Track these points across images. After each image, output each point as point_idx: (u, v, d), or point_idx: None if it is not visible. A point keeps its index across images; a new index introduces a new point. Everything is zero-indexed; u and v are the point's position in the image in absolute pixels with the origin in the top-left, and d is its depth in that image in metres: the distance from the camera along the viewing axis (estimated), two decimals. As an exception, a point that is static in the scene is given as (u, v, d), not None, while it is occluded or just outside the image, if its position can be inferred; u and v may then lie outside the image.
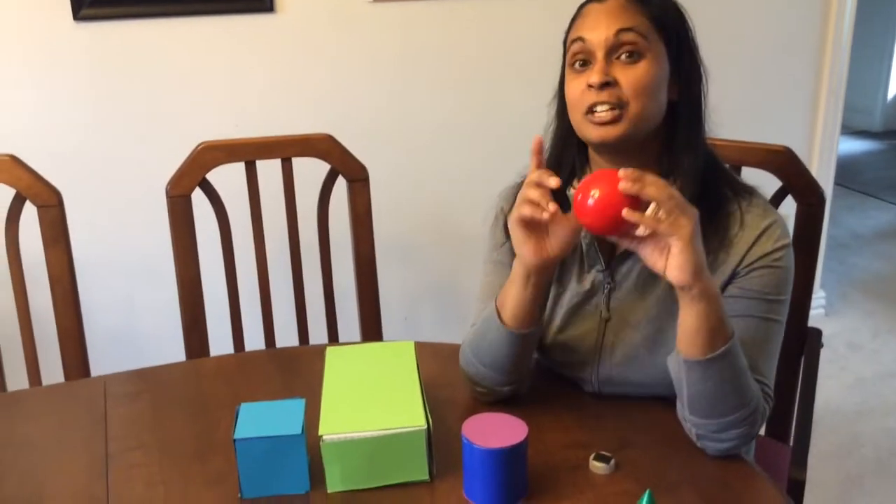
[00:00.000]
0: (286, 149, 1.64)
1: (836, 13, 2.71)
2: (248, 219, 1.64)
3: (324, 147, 1.64)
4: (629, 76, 1.06)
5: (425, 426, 0.99)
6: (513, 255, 1.11)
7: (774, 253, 1.10)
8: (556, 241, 1.03)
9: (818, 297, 3.10)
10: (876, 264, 3.61)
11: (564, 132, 1.18)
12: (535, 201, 0.99)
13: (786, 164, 1.50)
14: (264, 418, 1.01)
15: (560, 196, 1.15)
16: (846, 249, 3.74)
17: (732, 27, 2.60)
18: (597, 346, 1.18)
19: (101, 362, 1.60)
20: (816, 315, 3.09)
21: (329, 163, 1.65)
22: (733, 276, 1.10)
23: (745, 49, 2.64)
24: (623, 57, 1.07)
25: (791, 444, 1.46)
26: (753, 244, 1.10)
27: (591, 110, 1.08)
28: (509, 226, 1.05)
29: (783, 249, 1.10)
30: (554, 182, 0.98)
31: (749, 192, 1.15)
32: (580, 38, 1.09)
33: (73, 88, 2.04)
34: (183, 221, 1.58)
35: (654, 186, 0.93)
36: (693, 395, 1.04)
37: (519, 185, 1.23)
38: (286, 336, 1.72)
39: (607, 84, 1.06)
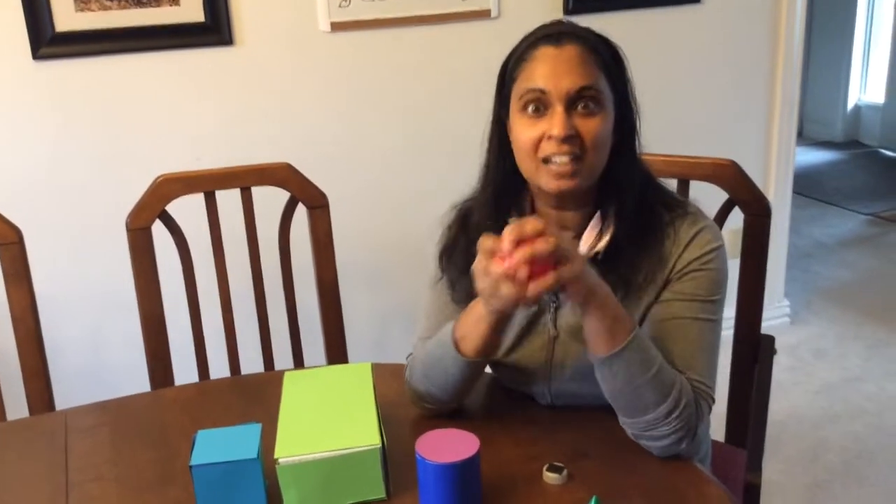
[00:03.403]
0: (245, 178, 1.66)
1: (786, 27, 2.78)
2: (209, 249, 1.66)
3: (282, 175, 1.67)
4: (588, 128, 1.08)
5: (379, 444, 1.02)
6: (450, 284, 1.17)
7: (704, 256, 1.14)
8: None
9: (783, 306, 3.16)
10: (839, 272, 3.68)
11: (505, 168, 1.17)
12: (509, 298, 0.98)
13: (732, 178, 1.54)
14: (221, 444, 1.02)
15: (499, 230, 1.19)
16: (810, 258, 3.81)
17: (686, 44, 2.66)
18: (547, 363, 1.21)
19: (70, 397, 1.60)
20: (781, 324, 3.14)
21: (288, 191, 1.67)
22: (666, 283, 1.14)
23: (699, 65, 2.70)
24: (581, 108, 1.08)
25: (748, 448, 1.49)
26: (683, 252, 1.14)
27: (548, 160, 1.09)
28: (486, 306, 1.05)
29: (713, 252, 1.14)
30: (521, 275, 0.96)
31: (681, 204, 1.19)
32: (538, 90, 1.08)
33: (32, 126, 2.06)
34: (144, 254, 1.60)
35: (542, 242, 0.95)
36: (612, 394, 1.08)
37: (456, 216, 1.26)
38: (251, 365, 1.73)
39: (569, 137, 1.07)
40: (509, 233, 0.97)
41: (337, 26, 2.22)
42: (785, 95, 2.86)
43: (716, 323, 1.16)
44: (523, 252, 0.96)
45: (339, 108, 2.30)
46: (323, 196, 1.68)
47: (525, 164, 1.13)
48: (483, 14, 2.36)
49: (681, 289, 1.14)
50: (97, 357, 2.23)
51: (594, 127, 1.09)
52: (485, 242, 1.00)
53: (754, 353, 1.58)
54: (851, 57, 5.51)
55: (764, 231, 1.56)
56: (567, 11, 2.42)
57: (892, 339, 3.04)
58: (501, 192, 1.19)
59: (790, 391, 2.73)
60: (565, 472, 1.07)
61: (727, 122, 2.82)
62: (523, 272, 0.96)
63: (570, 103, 1.08)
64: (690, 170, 1.59)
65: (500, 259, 0.99)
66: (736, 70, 2.78)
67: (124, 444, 1.21)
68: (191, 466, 0.98)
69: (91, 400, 1.38)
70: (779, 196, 2.98)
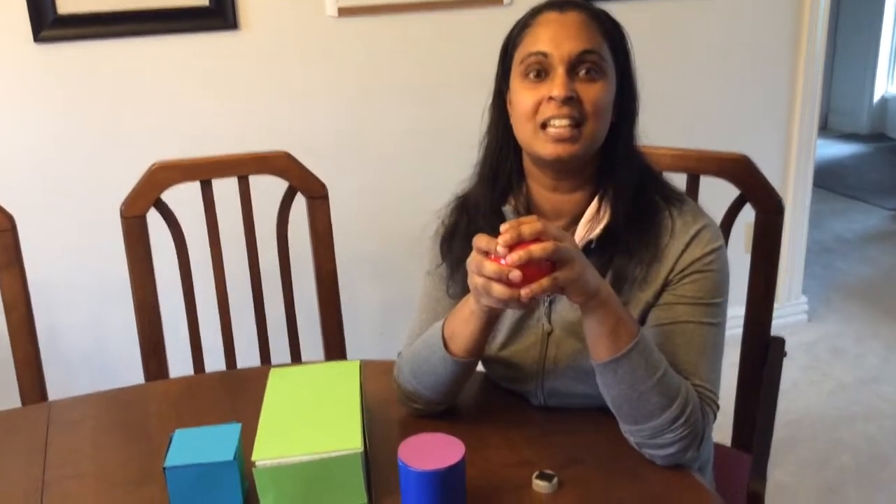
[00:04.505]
0: (242, 167, 1.63)
1: (810, 19, 2.70)
2: (206, 239, 1.62)
3: (281, 164, 1.63)
4: (590, 93, 1.06)
5: (361, 449, 0.98)
6: (449, 272, 1.11)
7: (705, 257, 1.10)
8: None
9: (800, 303, 3.09)
10: (860, 268, 3.59)
11: (502, 143, 1.16)
12: (504, 298, 0.94)
13: (743, 173, 1.49)
14: (198, 445, 0.99)
15: (494, 213, 1.15)
16: (830, 254, 3.73)
17: (706, 36, 2.59)
18: (540, 360, 1.16)
19: (66, 385, 1.59)
20: (799, 321, 3.07)
21: (287, 180, 1.63)
22: (666, 284, 1.10)
23: (717, 57, 2.63)
24: (582, 73, 1.06)
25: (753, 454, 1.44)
26: (683, 251, 1.10)
27: (546, 124, 1.06)
28: (477, 303, 1.02)
29: (714, 253, 1.10)
30: (514, 276, 0.93)
31: (680, 199, 1.15)
32: (540, 53, 1.07)
33: (33, 110, 2.03)
34: (138, 243, 1.57)
35: (538, 246, 0.92)
36: (615, 400, 1.04)
37: (454, 203, 1.22)
38: (247, 357, 1.70)
39: (570, 99, 1.05)
40: (506, 233, 0.93)
41: (344, 11, 2.18)
42: (807, 88, 2.78)
43: (719, 327, 1.11)
44: (518, 255, 0.92)
45: (345, 96, 2.26)
46: (323, 187, 1.64)
47: (523, 131, 1.09)
48: (496, 1, 2.30)
49: (683, 291, 1.09)
50: (95, 345, 2.21)
51: (595, 93, 1.06)
52: (480, 240, 0.96)
53: (763, 354, 1.53)
54: (879, 47, 5.38)
55: (776, 229, 1.50)
56: (581, -2, 2.36)
57: (913, 340, 2.97)
58: (498, 167, 1.16)
59: (805, 391, 2.67)
60: (555, 479, 1.02)
61: (747, 114, 2.75)
62: (516, 275, 0.93)
63: (572, 67, 1.06)
64: (700, 164, 1.53)
65: (495, 258, 0.95)
66: (756, 61, 2.70)
67: (106, 439, 1.18)
68: (164, 468, 0.95)
69: (88, 390, 1.35)
70: (798, 191, 2.91)
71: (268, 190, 1.66)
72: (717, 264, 1.10)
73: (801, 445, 2.38)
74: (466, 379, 1.14)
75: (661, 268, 1.10)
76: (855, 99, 5.50)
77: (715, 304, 1.10)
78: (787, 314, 3.03)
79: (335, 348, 1.70)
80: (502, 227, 0.94)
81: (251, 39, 2.13)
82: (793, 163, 2.89)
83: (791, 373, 2.73)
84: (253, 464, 0.95)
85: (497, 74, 1.16)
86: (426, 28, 2.27)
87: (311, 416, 1.05)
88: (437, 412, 1.17)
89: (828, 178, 4.53)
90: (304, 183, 1.64)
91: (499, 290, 0.94)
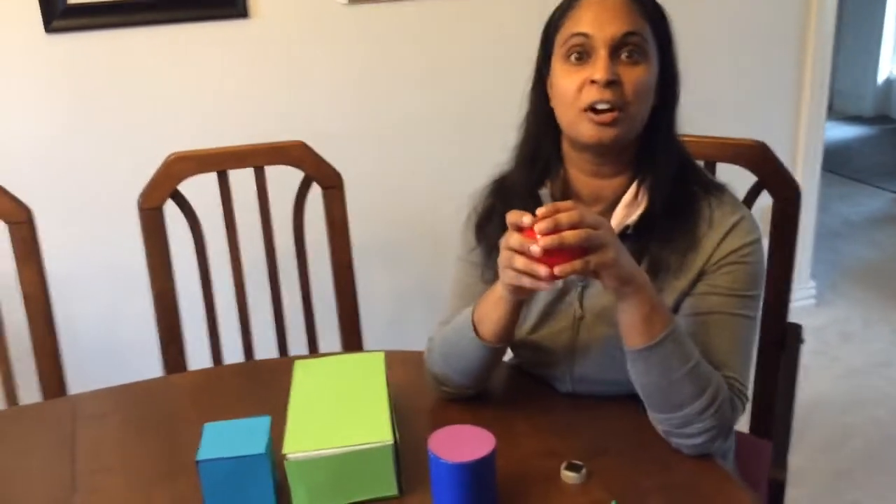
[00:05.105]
0: (258, 157, 1.62)
1: (818, 2, 2.69)
2: (222, 230, 1.62)
3: (297, 154, 1.63)
4: (632, 76, 1.05)
5: (392, 441, 0.98)
6: (484, 256, 1.12)
7: (742, 249, 1.09)
8: None
9: (808, 288, 3.09)
10: (867, 252, 3.59)
11: (542, 126, 1.15)
12: (523, 271, 0.95)
13: (760, 159, 1.48)
14: (229, 438, 0.99)
15: (531, 196, 1.15)
16: (838, 238, 3.73)
17: (713, 20, 2.58)
18: (571, 345, 1.17)
19: (84, 376, 1.59)
20: (807, 305, 3.08)
21: (303, 170, 1.63)
22: (701, 273, 1.10)
23: (726, 41, 2.62)
24: (624, 56, 1.06)
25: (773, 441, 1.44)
26: (721, 241, 1.09)
27: (590, 108, 1.06)
28: (501, 281, 1.02)
29: (752, 245, 1.10)
30: (534, 250, 0.93)
31: (719, 189, 1.15)
32: (582, 34, 1.06)
33: (45, 101, 2.03)
34: (156, 234, 1.57)
35: (571, 232, 0.91)
36: (646, 388, 1.04)
37: (490, 187, 1.22)
38: (265, 347, 1.71)
39: (612, 82, 1.04)
40: (542, 221, 0.92)
41: (355, -2, 2.17)
42: (815, 72, 2.77)
43: (753, 320, 1.12)
44: (551, 239, 0.92)
45: (358, 84, 2.25)
46: (338, 176, 1.64)
47: (565, 114, 1.09)
48: (506, -15, 2.29)
49: (718, 282, 1.09)
50: (112, 336, 2.22)
51: (637, 76, 1.05)
52: (512, 215, 0.96)
53: (780, 341, 1.53)
54: (883, 29, 5.36)
55: (793, 216, 1.50)
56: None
57: (921, 323, 2.97)
58: (537, 149, 1.16)
59: (815, 375, 2.67)
60: (584, 470, 1.03)
61: (755, 99, 2.74)
62: (535, 249, 0.93)
63: (614, 50, 1.05)
64: (716, 151, 1.53)
65: (529, 233, 0.95)
66: (765, 46, 2.69)
67: (132, 433, 1.18)
68: (197, 461, 0.95)
69: (105, 380, 1.36)
70: (807, 175, 2.90)
71: (283, 180, 1.66)
72: (753, 256, 1.10)
73: (813, 430, 2.39)
74: (496, 364, 1.15)
75: (698, 257, 1.10)
76: (859, 81, 5.48)
77: (749, 296, 1.10)
78: (796, 299, 3.04)
79: (352, 338, 1.71)
80: (539, 212, 0.93)
81: (262, 28, 2.12)
82: (801, 147, 2.88)
83: (801, 358, 2.73)
84: (284, 457, 0.96)
85: (538, 57, 1.15)
86: (436, 14, 2.26)
87: (339, 409, 1.05)
88: (466, 396, 1.18)
89: (833, 162, 4.52)
90: (319, 172, 1.63)
91: (521, 262, 0.94)
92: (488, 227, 1.19)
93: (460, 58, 2.33)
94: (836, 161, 4.59)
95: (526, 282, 0.95)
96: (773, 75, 2.75)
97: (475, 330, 1.10)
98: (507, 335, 1.10)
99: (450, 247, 2.38)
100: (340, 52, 2.21)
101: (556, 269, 0.92)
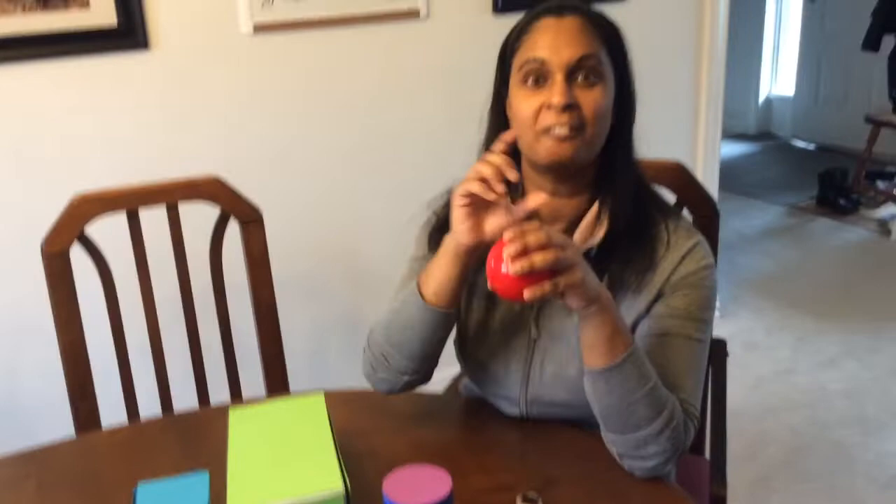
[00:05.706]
0: (170, 194, 1.55)
1: (710, 24, 2.80)
2: (134, 273, 1.53)
3: (211, 190, 1.56)
4: (588, 99, 1.06)
5: (342, 489, 0.93)
6: None
7: (700, 272, 1.11)
8: (494, 226, 1.02)
9: (713, 301, 3.19)
10: (763, 263, 3.75)
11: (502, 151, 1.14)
12: (487, 179, 0.97)
13: (678, 179, 1.52)
14: (165, 498, 0.92)
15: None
16: (734, 251, 3.88)
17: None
18: (525, 365, 1.16)
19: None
20: (713, 318, 3.17)
21: (219, 205, 1.56)
22: (659, 294, 1.11)
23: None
24: (581, 79, 1.06)
25: (708, 457, 1.46)
26: (679, 264, 1.11)
27: (546, 131, 1.06)
28: (452, 200, 1.02)
29: (707, 269, 1.12)
30: (513, 176, 0.96)
31: (675, 213, 1.17)
32: (538, 59, 1.06)
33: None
34: (61, 281, 1.47)
35: (539, 255, 0.91)
36: (604, 409, 1.03)
37: (449, 194, 1.21)
38: (184, 396, 1.61)
39: (569, 106, 1.04)
40: (511, 244, 0.92)
41: (260, 28, 2.11)
42: (710, 94, 2.88)
43: (705, 343, 1.13)
44: (521, 265, 0.91)
45: (266, 115, 2.19)
46: (256, 210, 1.58)
47: (524, 136, 1.09)
48: (412, 14, 2.28)
49: (675, 303, 1.10)
50: (12, 390, 2.06)
51: (594, 98, 1.06)
52: (507, 136, 1.04)
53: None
54: (762, 50, 5.66)
55: (714, 232, 1.54)
56: (497, 10, 2.37)
57: (820, 329, 3.11)
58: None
59: (727, 386, 2.74)
60: (540, 502, 1.01)
61: (655, 123, 2.80)
62: (505, 270, 0.94)
63: (571, 73, 1.05)
64: (638, 173, 1.55)
65: (498, 245, 0.95)
66: (662, 67, 2.78)
67: (53, 498, 1.09)
68: (133, 528, 0.88)
69: (6, 442, 1.25)
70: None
71: (198, 217, 1.58)
72: (709, 281, 1.12)
73: (730, 439, 2.43)
74: (436, 342, 1.12)
75: (655, 278, 1.10)
76: (742, 100, 5.76)
77: (703, 319, 1.11)
78: (703, 312, 3.12)
79: (277, 380, 1.64)
80: (505, 235, 0.93)
81: (163, 59, 2.03)
82: (700, 165, 2.99)
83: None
84: (229, 515, 0.90)
85: (496, 79, 1.15)
86: (344, 43, 2.23)
87: (282, 458, 0.99)
88: (405, 384, 1.15)
89: (724, 179, 4.70)
90: (236, 207, 1.57)
91: (489, 170, 0.97)
92: (442, 234, 1.17)
93: (371, 87, 2.30)
94: (727, 178, 4.77)
95: (485, 192, 0.98)
96: (671, 98, 2.84)
97: (420, 292, 1.08)
98: (450, 297, 1.08)
99: (374, 279, 2.35)
100: (247, 83, 2.15)
101: (526, 294, 0.92)
